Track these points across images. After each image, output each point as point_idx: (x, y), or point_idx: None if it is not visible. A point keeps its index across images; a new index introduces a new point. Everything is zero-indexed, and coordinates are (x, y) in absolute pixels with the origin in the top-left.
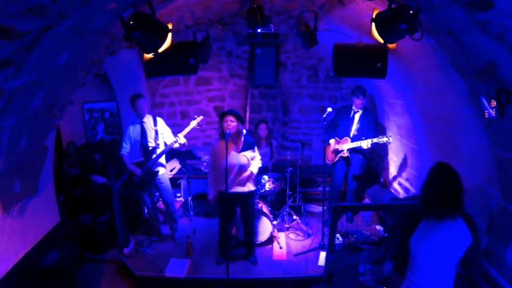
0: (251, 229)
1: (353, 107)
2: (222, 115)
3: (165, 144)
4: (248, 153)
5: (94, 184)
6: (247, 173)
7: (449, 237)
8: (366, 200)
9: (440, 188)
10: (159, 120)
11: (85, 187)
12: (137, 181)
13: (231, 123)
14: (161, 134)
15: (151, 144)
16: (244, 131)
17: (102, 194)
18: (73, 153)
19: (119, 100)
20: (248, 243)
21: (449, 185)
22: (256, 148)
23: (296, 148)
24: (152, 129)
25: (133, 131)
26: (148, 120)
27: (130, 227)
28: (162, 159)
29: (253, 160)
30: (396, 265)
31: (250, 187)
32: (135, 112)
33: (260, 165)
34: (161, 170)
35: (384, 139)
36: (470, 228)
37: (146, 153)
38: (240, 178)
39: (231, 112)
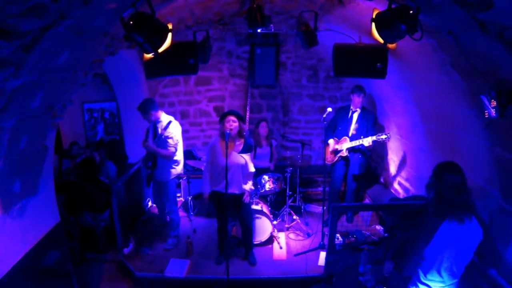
0: (249, 230)
1: (351, 107)
2: (223, 116)
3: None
4: (246, 156)
5: (94, 183)
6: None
7: (469, 237)
8: (366, 200)
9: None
10: (173, 125)
11: (85, 187)
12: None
13: (233, 123)
14: (170, 139)
15: None
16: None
17: (102, 193)
18: (76, 154)
19: (119, 100)
20: (246, 244)
21: (459, 189)
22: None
23: (296, 148)
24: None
25: (149, 129)
26: (161, 123)
27: (130, 227)
28: (166, 165)
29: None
30: (401, 267)
31: (243, 187)
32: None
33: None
34: (161, 176)
35: (383, 136)
36: (480, 223)
37: (149, 154)
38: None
39: (232, 113)
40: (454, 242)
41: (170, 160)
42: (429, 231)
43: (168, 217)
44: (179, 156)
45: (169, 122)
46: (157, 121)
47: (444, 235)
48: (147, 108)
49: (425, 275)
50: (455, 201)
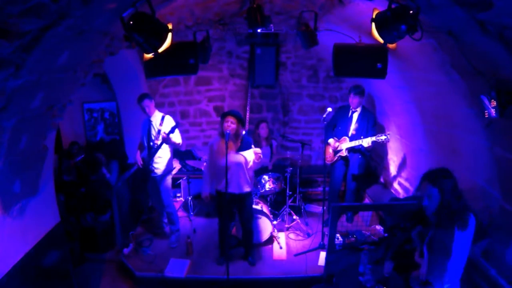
0: (249, 230)
1: (351, 107)
2: (223, 115)
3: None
4: (246, 153)
5: (95, 183)
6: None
7: (471, 232)
8: (366, 200)
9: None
10: (167, 119)
11: (86, 187)
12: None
13: (231, 124)
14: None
15: (152, 142)
16: (243, 133)
17: (103, 193)
18: (76, 153)
19: (119, 100)
20: (246, 244)
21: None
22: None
23: (296, 148)
24: (157, 128)
25: (143, 127)
26: (155, 118)
27: (131, 226)
28: (164, 160)
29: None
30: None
31: (245, 188)
32: (143, 112)
33: (254, 157)
34: (159, 170)
35: (383, 137)
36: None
37: (147, 150)
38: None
39: (233, 113)
40: (467, 244)
41: (169, 155)
42: (445, 246)
43: (165, 212)
44: (170, 149)
45: (163, 117)
46: (150, 115)
47: (461, 244)
48: (142, 97)
49: (447, 282)
50: (459, 207)
